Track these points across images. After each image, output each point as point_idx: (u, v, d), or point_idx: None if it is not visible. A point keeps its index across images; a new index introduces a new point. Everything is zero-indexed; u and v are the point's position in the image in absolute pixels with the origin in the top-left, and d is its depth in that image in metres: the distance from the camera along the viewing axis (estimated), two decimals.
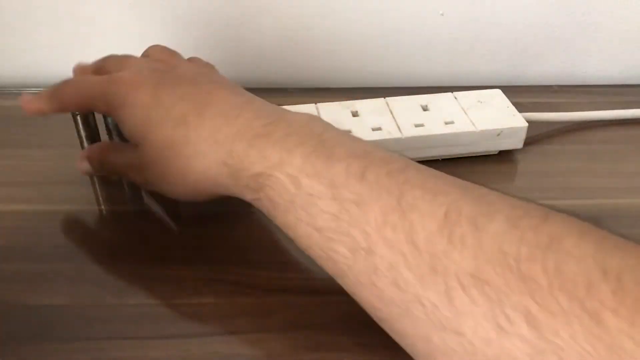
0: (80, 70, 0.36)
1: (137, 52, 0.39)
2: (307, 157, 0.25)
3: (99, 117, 0.36)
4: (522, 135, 0.40)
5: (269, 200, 0.26)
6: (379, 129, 0.39)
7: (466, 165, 0.40)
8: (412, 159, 0.39)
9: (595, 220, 0.36)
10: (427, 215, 0.22)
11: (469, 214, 0.22)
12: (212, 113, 0.28)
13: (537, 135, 0.42)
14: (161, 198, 0.36)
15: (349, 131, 0.38)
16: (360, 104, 0.41)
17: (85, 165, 0.34)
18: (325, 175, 0.25)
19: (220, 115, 0.28)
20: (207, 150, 0.28)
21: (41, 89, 0.34)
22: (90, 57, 0.36)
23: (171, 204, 0.36)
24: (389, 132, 0.38)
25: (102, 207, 0.36)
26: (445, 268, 0.21)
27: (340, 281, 0.26)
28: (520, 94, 0.44)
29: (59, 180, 0.38)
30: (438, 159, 0.40)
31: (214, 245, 0.33)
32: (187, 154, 0.29)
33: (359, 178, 0.24)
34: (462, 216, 0.22)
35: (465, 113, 0.40)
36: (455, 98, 0.42)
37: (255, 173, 0.26)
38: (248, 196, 0.28)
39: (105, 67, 0.35)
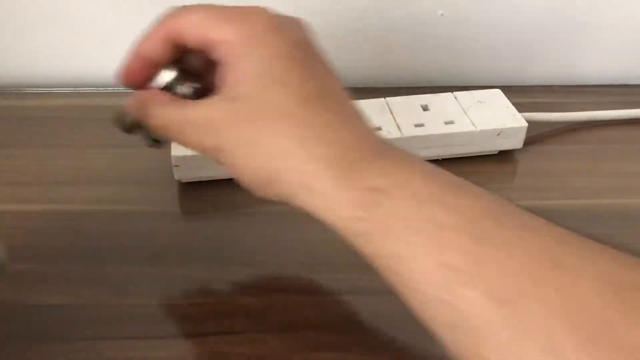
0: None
1: None
2: (435, 184, 0.23)
3: None
4: (522, 135, 0.40)
5: (380, 222, 0.22)
6: (379, 128, 0.39)
7: (466, 165, 0.40)
8: None
9: (595, 220, 0.36)
10: (581, 277, 0.20)
11: (628, 281, 0.20)
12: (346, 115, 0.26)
13: (537, 135, 0.42)
14: (160, 196, 0.36)
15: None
16: (360, 104, 0.41)
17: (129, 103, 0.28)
18: (460, 210, 0.22)
19: (344, 115, 0.25)
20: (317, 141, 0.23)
21: (40, 89, 0.34)
22: (90, 57, 0.36)
23: (171, 204, 0.36)
24: (389, 132, 0.38)
25: (102, 207, 0.36)
26: (608, 337, 0.18)
27: (460, 335, 0.21)
28: (520, 94, 0.44)
29: (59, 180, 0.38)
30: (438, 159, 0.40)
31: (215, 245, 0.33)
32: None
33: (498, 223, 0.21)
34: (620, 283, 0.20)
35: (465, 113, 0.40)
36: (455, 98, 0.42)
37: (373, 186, 0.22)
38: (345, 212, 0.23)
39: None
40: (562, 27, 0.49)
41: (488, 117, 0.40)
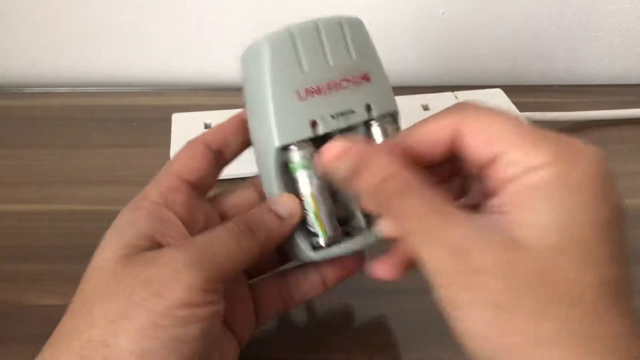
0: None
1: (138, 52, 0.39)
2: None
3: None
4: None
5: None
6: None
7: None
8: None
9: None
10: None
11: None
12: None
13: None
14: None
15: None
16: None
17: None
18: None
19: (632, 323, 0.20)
20: None
21: (40, 89, 0.34)
22: (90, 57, 0.36)
23: None
24: None
25: (102, 207, 0.36)
26: None
27: None
28: (521, 94, 0.44)
29: (59, 180, 0.38)
30: None
31: None
32: None
33: None
34: None
35: None
36: (456, 97, 0.42)
37: None
38: None
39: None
40: (563, 26, 0.49)
41: None
